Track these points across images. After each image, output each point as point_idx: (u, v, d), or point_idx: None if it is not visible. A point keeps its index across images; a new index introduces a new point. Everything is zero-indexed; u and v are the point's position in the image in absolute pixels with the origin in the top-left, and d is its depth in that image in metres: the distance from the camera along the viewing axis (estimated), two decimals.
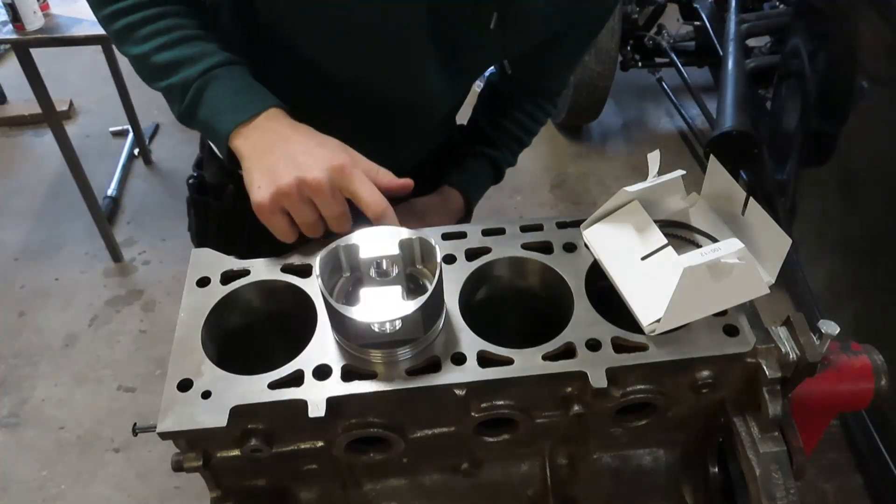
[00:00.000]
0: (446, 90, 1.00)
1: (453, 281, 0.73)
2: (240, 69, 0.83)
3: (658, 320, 0.68)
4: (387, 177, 0.78)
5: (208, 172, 1.11)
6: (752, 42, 2.83)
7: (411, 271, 0.71)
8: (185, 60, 0.81)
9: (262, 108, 0.79)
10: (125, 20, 0.84)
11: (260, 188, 0.75)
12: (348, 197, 0.75)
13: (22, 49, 2.16)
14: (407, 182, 0.80)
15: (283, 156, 0.75)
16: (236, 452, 0.69)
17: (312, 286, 0.74)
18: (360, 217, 0.75)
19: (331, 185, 0.73)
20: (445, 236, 0.79)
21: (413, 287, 0.71)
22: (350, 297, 0.70)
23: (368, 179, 0.75)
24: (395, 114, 1.00)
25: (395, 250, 0.68)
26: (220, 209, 1.08)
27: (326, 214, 0.75)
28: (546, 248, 0.77)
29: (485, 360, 0.67)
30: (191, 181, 1.11)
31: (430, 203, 1.10)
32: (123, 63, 2.98)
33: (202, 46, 0.82)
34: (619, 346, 0.68)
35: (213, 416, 0.63)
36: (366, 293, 0.66)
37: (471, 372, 0.66)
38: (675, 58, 3.04)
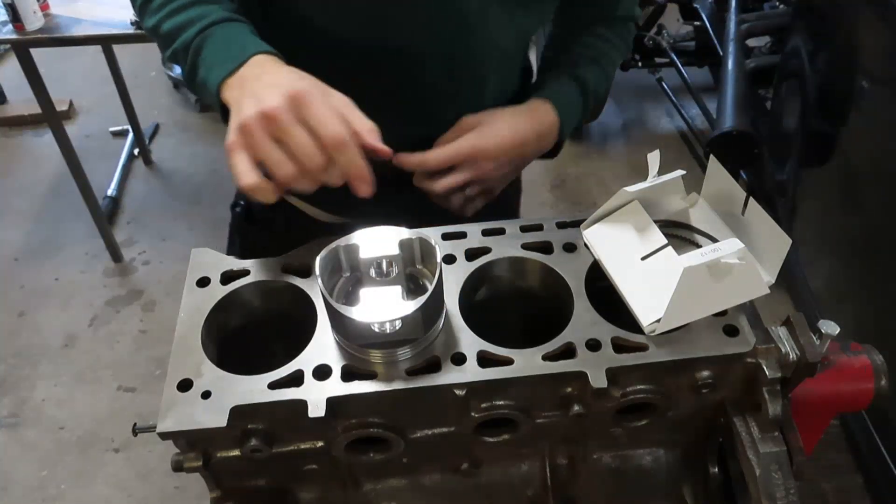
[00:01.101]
0: (498, 30, 0.90)
1: (453, 281, 0.73)
2: (236, 25, 0.80)
3: (658, 320, 0.68)
4: (363, 123, 0.71)
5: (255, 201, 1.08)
6: (752, 42, 2.83)
7: (411, 271, 0.71)
8: (185, 24, 0.80)
9: (246, 57, 0.75)
10: None
11: (228, 133, 0.70)
12: (308, 127, 0.68)
13: (22, 49, 2.16)
14: (385, 150, 0.72)
15: (251, 94, 0.70)
16: (236, 452, 0.69)
17: (312, 286, 0.74)
18: (357, 216, 0.75)
19: (288, 113, 0.67)
20: (445, 236, 0.79)
21: (413, 287, 0.71)
22: (350, 297, 0.70)
23: (334, 109, 0.68)
24: (435, 67, 0.91)
25: (395, 250, 0.68)
26: (270, 238, 1.03)
27: (293, 149, 0.68)
28: (546, 248, 0.77)
29: (485, 360, 0.67)
30: (237, 209, 1.09)
31: (513, 114, 0.93)
32: (123, 63, 2.98)
33: (203, 9, 0.81)
34: (619, 346, 0.68)
35: (213, 416, 0.63)
36: (366, 293, 0.66)
37: (471, 372, 0.66)
38: (675, 58, 3.04)
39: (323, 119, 0.68)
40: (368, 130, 0.71)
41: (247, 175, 0.69)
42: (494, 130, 0.90)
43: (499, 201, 1.01)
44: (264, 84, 0.71)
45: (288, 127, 0.67)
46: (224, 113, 0.76)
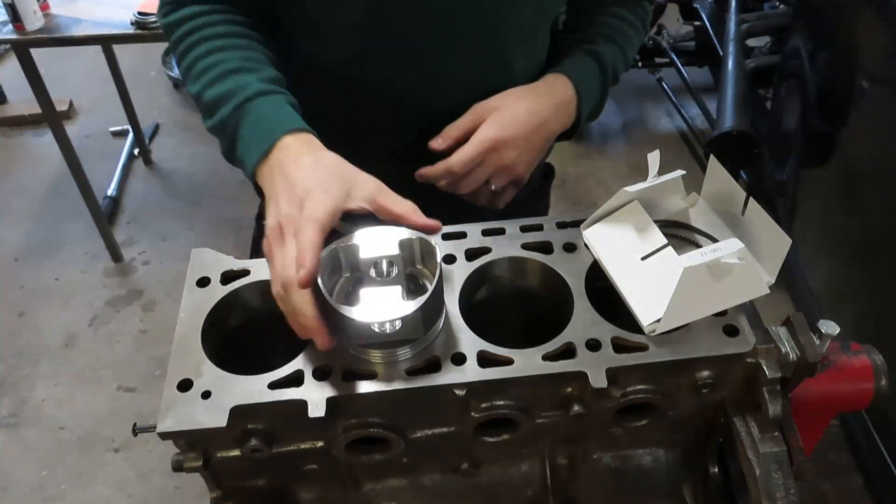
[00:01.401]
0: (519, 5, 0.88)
1: (453, 281, 0.73)
2: (272, 98, 0.79)
3: (658, 320, 0.68)
4: (400, 207, 0.69)
5: None
6: (752, 42, 2.83)
7: (411, 271, 0.71)
8: (223, 97, 0.79)
9: (275, 140, 0.74)
10: (184, 62, 0.84)
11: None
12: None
13: (22, 49, 2.16)
14: (433, 225, 0.70)
15: (272, 223, 0.69)
16: (236, 452, 0.69)
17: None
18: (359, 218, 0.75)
19: (281, 297, 0.66)
20: (445, 236, 0.79)
21: (413, 287, 0.71)
22: (350, 297, 0.70)
23: (304, 296, 0.64)
24: (459, 60, 0.89)
25: (395, 250, 0.68)
26: None
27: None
28: (546, 248, 0.77)
29: (485, 360, 0.67)
30: (262, 221, 1.10)
31: (528, 93, 0.89)
32: (123, 63, 2.98)
33: (241, 79, 0.79)
34: (619, 346, 0.68)
35: (213, 416, 0.63)
36: (366, 293, 0.66)
37: (471, 372, 0.66)
38: (675, 58, 3.04)
39: (279, 260, 0.66)
40: (411, 212, 0.70)
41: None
42: (512, 116, 0.87)
43: (529, 188, 0.97)
44: (287, 198, 0.69)
45: (283, 307, 0.67)
46: (259, 192, 0.77)
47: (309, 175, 0.70)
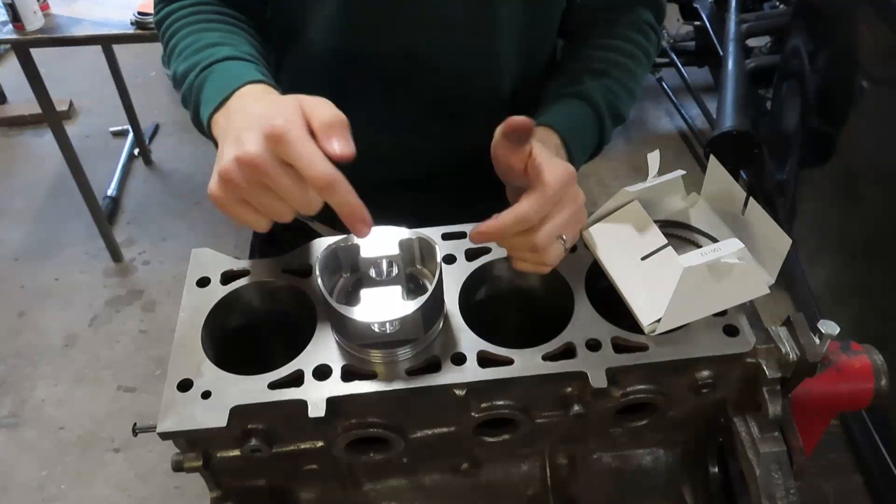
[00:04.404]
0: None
1: (453, 281, 0.73)
2: (239, 63, 0.77)
3: (658, 320, 0.68)
4: (333, 130, 0.61)
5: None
6: (752, 42, 2.83)
7: (411, 271, 0.71)
8: (192, 66, 0.78)
9: (234, 88, 0.71)
10: (168, 48, 0.85)
11: (211, 179, 0.64)
12: (293, 168, 0.61)
13: (22, 49, 2.16)
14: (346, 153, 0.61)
15: (231, 136, 0.64)
16: (236, 452, 0.69)
17: (312, 286, 0.74)
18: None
19: (270, 158, 0.60)
20: (445, 236, 0.79)
21: (413, 287, 0.71)
22: (350, 297, 0.70)
23: (313, 144, 0.60)
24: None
25: (395, 250, 0.68)
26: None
27: (281, 194, 0.61)
28: None
29: (485, 360, 0.67)
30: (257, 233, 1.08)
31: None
32: (123, 63, 2.99)
33: (211, 51, 0.79)
34: (619, 346, 0.68)
35: (213, 416, 0.63)
36: (366, 293, 0.66)
37: (471, 372, 0.66)
38: (675, 58, 3.04)
39: (307, 159, 0.60)
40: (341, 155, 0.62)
41: (260, 226, 0.65)
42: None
43: None
44: (244, 121, 0.65)
45: (271, 173, 0.60)
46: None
47: (271, 107, 0.64)
